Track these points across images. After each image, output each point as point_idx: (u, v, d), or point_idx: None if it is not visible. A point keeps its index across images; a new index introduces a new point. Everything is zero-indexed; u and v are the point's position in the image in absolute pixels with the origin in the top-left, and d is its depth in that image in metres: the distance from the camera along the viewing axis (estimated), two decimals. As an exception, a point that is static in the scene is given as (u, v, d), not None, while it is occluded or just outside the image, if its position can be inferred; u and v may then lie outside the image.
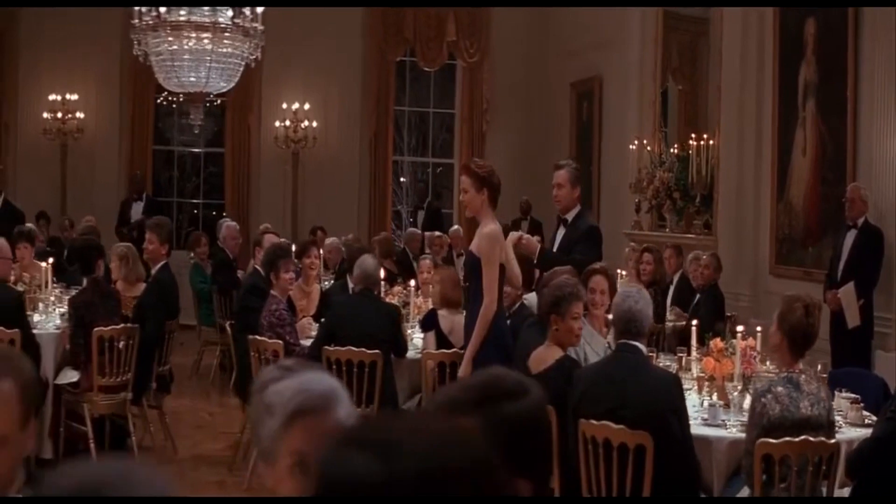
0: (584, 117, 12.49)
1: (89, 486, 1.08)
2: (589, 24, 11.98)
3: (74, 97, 12.12)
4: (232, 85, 9.19)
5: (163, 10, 8.62)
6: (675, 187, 9.71)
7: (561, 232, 5.53)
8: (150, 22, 8.60)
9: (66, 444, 6.03)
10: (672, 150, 10.24)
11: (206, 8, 8.63)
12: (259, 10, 8.82)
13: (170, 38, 8.70)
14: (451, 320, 5.65)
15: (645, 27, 10.65)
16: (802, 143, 8.21)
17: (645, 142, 10.36)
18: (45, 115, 12.15)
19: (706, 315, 6.82)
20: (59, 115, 12.07)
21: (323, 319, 5.80)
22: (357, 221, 12.76)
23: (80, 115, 12.15)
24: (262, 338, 5.65)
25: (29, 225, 8.54)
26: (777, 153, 8.52)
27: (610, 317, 4.58)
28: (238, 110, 12.67)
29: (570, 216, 5.55)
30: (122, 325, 5.87)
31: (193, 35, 8.61)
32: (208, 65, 8.73)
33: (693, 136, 9.67)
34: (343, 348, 5.32)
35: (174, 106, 12.08)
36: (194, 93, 8.96)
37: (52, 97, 12.10)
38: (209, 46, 8.65)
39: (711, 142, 9.35)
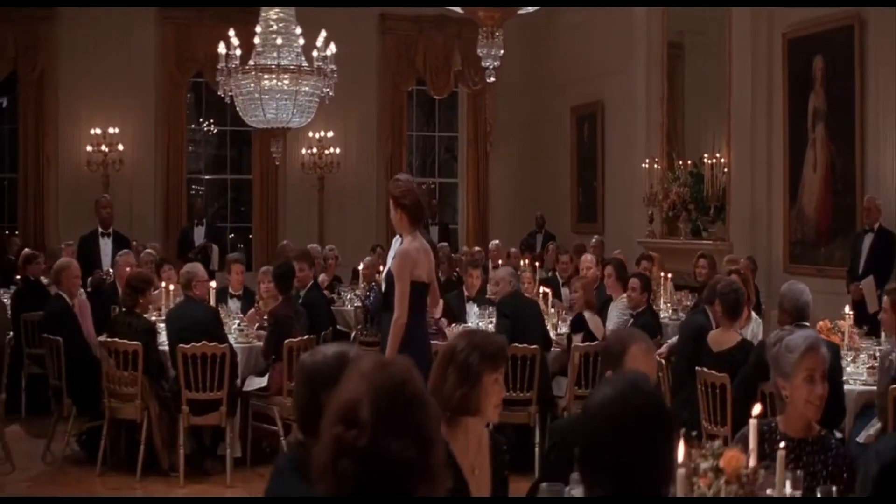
0: (584, 138, 13.87)
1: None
2: (590, 55, 13.37)
3: (115, 130, 12.84)
4: (309, 120, 10.18)
5: (241, 52, 9.58)
6: (690, 200, 11.14)
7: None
8: (238, 65, 9.53)
9: (253, 444, 6.96)
10: (679, 165, 11.66)
11: (288, 53, 9.61)
12: (330, 52, 9.82)
13: (252, 81, 9.64)
14: (594, 321, 6.87)
15: (650, 55, 12.06)
16: (813, 160, 9.72)
17: (656, 160, 11.77)
18: (89, 147, 12.83)
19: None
20: (103, 147, 12.76)
21: (502, 320, 6.81)
22: (376, 238, 13.82)
23: (120, 147, 12.86)
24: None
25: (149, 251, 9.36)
26: (788, 169, 10.01)
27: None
28: (265, 139, 13.51)
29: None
30: (307, 336, 6.84)
31: (275, 77, 9.57)
32: (289, 102, 9.70)
33: (706, 154, 11.12)
34: (521, 345, 6.45)
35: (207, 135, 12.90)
36: (275, 128, 9.91)
37: (93, 131, 12.78)
38: (290, 87, 9.62)
39: (723, 160, 10.82)
